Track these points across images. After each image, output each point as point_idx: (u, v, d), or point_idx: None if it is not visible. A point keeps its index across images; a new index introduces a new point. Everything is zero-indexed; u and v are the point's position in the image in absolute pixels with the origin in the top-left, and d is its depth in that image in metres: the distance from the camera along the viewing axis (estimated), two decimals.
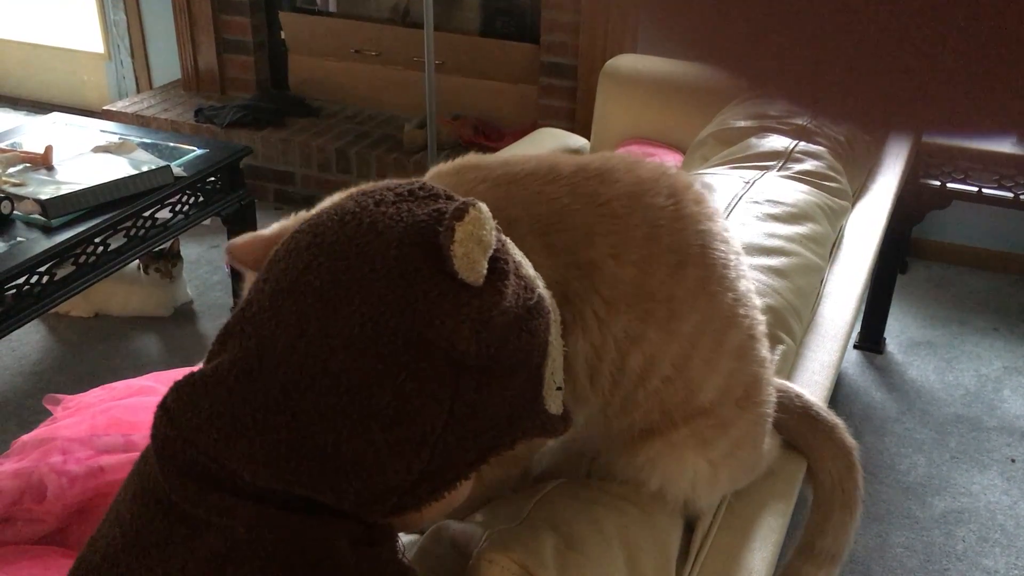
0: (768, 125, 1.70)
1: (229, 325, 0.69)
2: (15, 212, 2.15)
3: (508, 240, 0.73)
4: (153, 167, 2.38)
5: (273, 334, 0.66)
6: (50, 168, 2.37)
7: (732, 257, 0.90)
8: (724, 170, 1.54)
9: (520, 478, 0.95)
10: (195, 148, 2.60)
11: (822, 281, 1.41)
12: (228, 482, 0.66)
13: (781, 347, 1.15)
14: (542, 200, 0.85)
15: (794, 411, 1.05)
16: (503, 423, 0.69)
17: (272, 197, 3.45)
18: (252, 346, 0.66)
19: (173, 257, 2.65)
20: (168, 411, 0.68)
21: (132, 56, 4.00)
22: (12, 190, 2.22)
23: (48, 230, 2.12)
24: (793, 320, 1.20)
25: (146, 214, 2.32)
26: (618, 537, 0.83)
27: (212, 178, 2.53)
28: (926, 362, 2.58)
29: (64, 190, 2.21)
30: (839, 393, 2.39)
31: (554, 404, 0.74)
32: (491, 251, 0.66)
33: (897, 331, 2.70)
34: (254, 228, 2.71)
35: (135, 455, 0.75)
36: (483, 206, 0.66)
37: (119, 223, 2.24)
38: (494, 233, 0.67)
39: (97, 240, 2.19)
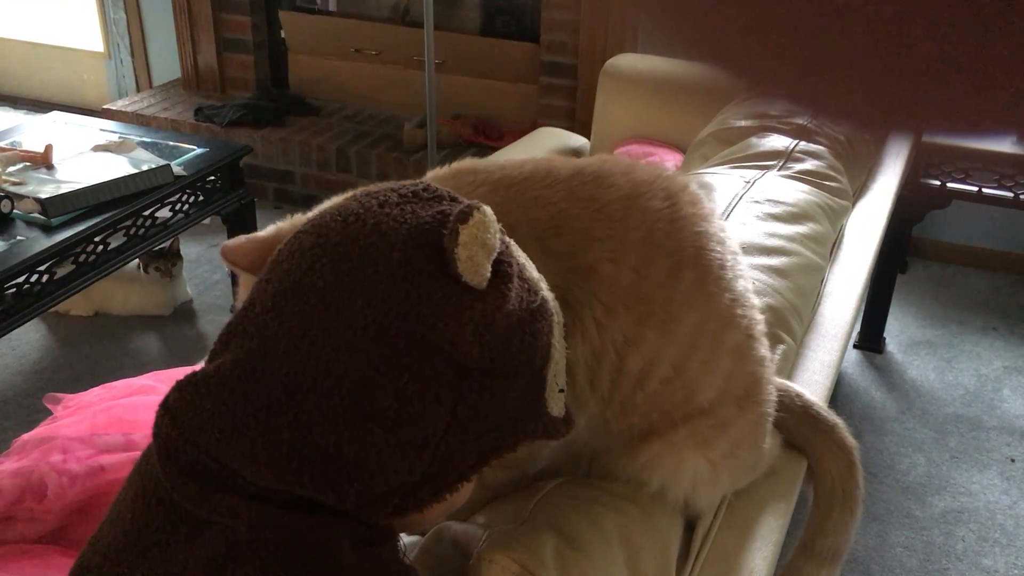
0: (768, 124, 1.70)
1: (231, 325, 0.69)
2: (15, 211, 2.15)
3: (512, 242, 0.73)
4: (153, 166, 2.38)
5: (276, 335, 0.66)
6: (50, 167, 2.37)
7: (729, 258, 0.90)
8: (724, 169, 1.54)
9: (521, 477, 0.95)
10: (195, 147, 2.60)
11: (822, 281, 1.41)
12: (229, 482, 0.66)
13: (781, 346, 1.15)
14: (540, 204, 0.85)
15: (794, 410, 1.05)
16: (505, 425, 0.69)
17: (272, 196, 3.45)
18: (255, 346, 0.66)
19: (173, 256, 2.65)
20: (170, 410, 0.68)
21: (132, 55, 4.00)
22: (12, 189, 2.22)
23: (48, 229, 2.12)
24: (793, 319, 1.20)
25: (146, 213, 2.32)
26: (618, 537, 0.83)
27: (212, 177, 2.53)
28: (926, 362, 2.58)
29: (64, 189, 2.21)
30: (839, 393, 2.39)
31: (556, 406, 0.74)
32: (495, 254, 0.66)
33: (897, 331, 2.70)
34: (254, 227, 2.71)
35: (136, 454, 0.75)
36: (487, 209, 0.66)
37: (119, 222, 2.24)
38: (498, 236, 0.67)
39: (97, 239, 2.19)
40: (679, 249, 0.86)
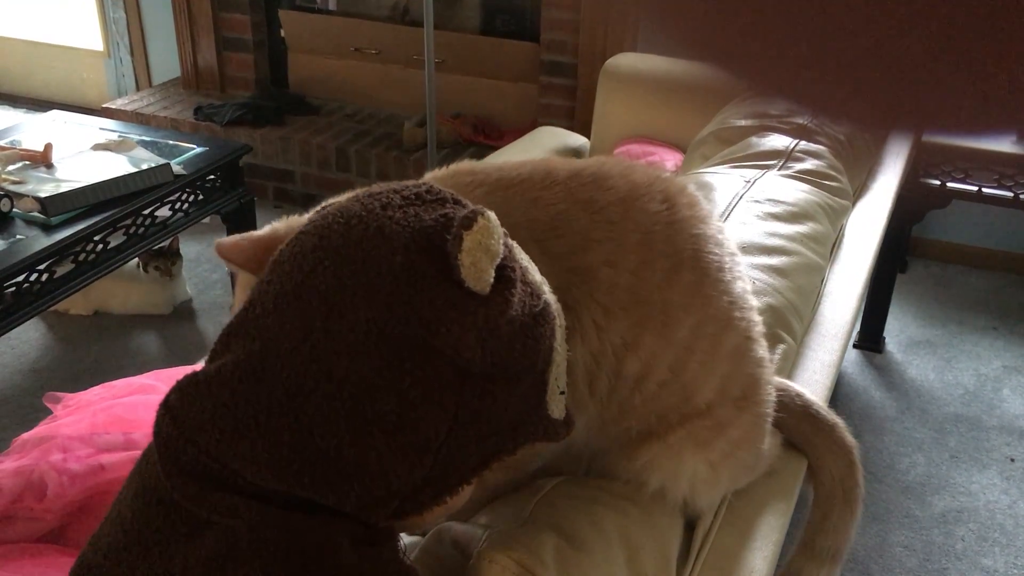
0: (769, 124, 1.70)
1: (233, 326, 0.69)
2: (15, 210, 2.15)
3: (515, 245, 0.73)
4: (152, 165, 2.38)
5: (277, 337, 0.65)
6: (49, 166, 2.37)
7: (727, 259, 0.90)
8: (725, 169, 1.54)
9: (520, 477, 0.95)
10: (195, 146, 2.60)
11: (823, 280, 1.41)
12: (230, 481, 0.66)
13: (782, 346, 1.15)
14: (538, 205, 0.85)
15: (794, 410, 1.05)
16: (506, 429, 0.69)
17: (272, 195, 3.45)
18: (256, 348, 0.66)
19: (173, 255, 2.65)
20: (171, 410, 0.68)
21: (132, 54, 4.00)
22: (12, 188, 2.22)
23: (48, 228, 2.12)
24: (794, 319, 1.20)
25: (146, 212, 2.32)
26: (619, 536, 0.83)
27: (212, 176, 2.53)
28: (925, 361, 2.58)
29: (64, 188, 2.21)
30: (838, 392, 2.39)
31: (557, 408, 0.74)
32: (498, 259, 0.66)
33: (896, 330, 2.70)
34: (254, 227, 2.71)
35: (136, 453, 0.75)
36: (491, 215, 0.66)
37: (118, 221, 2.24)
38: (502, 241, 0.67)
39: (96, 238, 2.19)
40: (677, 252, 0.86)
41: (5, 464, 1.19)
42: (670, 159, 2.38)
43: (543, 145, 2.57)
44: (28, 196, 2.17)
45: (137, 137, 2.62)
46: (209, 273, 2.91)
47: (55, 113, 2.82)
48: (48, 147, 2.40)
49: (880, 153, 1.97)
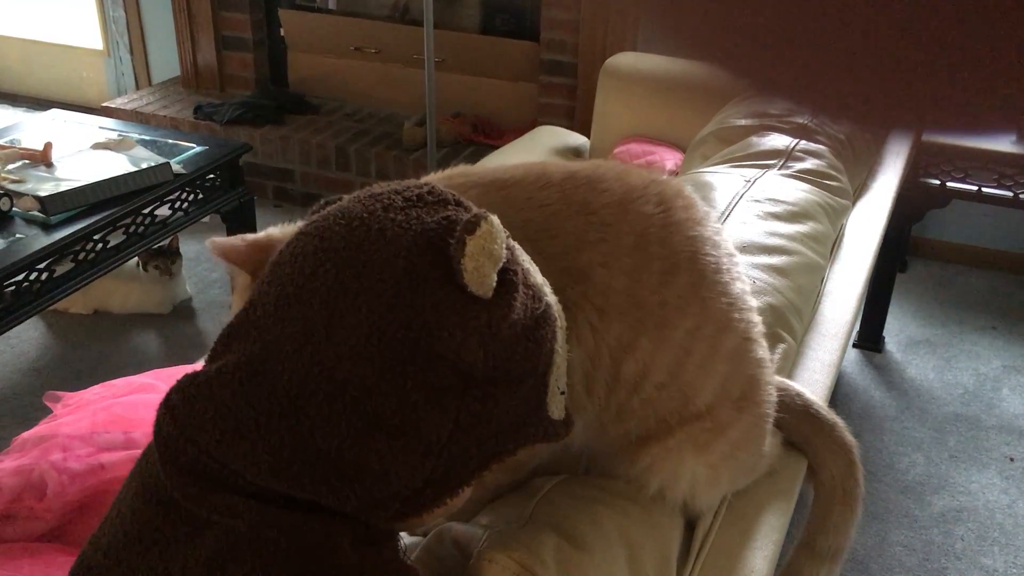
0: (769, 123, 1.70)
1: (233, 326, 0.69)
2: (14, 209, 2.15)
3: (516, 246, 0.73)
4: (152, 164, 2.38)
5: (278, 339, 0.65)
6: (49, 165, 2.37)
7: (724, 260, 0.90)
8: (725, 168, 1.54)
9: (520, 477, 0.95)
10: (194, 145, 2.60)
11: (823, 280, 1.41)
12: (230, 481, 0.66)
13: (782, 346, 1.15)
14: (533, 206, 0.85)
15: (794, 410, 1.05)
16: (507, 430, 0.69)
17: (271, 194, 3.45)
18: (257, 350, 0.66)
19: (172, 254, 2.65)
20: (171, 409, 0.68)
21: (131, 53, 4.00)
22: (11, 187, 2.22)
23: (47, 227, 2.11)
24: (794, 319, 1.20)
25: (145, 211, 2.32)
26: (619, 536, 0.83)
27: (211, 175, 2.53)
28: (925, 361, 2.58)
29: (63, 187, 2.21)
30: (838, 392, 2.39)
31: (557, 409, 0.74)
32: (501, 263, 0.66)
33: (896, 330, 2.70)
34: (253, 225, 2.71)
35: (136, 452, 0.75)
36: (494, 218, 0.66)
37: (118, 220, 2.24)
38: (504, 245, 0.67)
39: (96, 237, 2.19)
40: (672, 254, 0.86)
41: (5, 463, 1.19)
42: (670, 159, 2.38)
43: (543, 144, 2.57)
44: (28, 195, 2.17)
45: (137, 136, 2.62)
46: (209, 272, 2.91)
47: (55, 112, 2.82)
48: (48, 146, 2.40)
49: (880, 152, 1.97)
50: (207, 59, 3.72)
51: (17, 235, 2.08)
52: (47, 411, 1.38)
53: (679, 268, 0.86)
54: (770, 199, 1.37)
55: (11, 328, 2.05)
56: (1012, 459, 2.22)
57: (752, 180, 1.43)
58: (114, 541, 0.69)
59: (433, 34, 2.85)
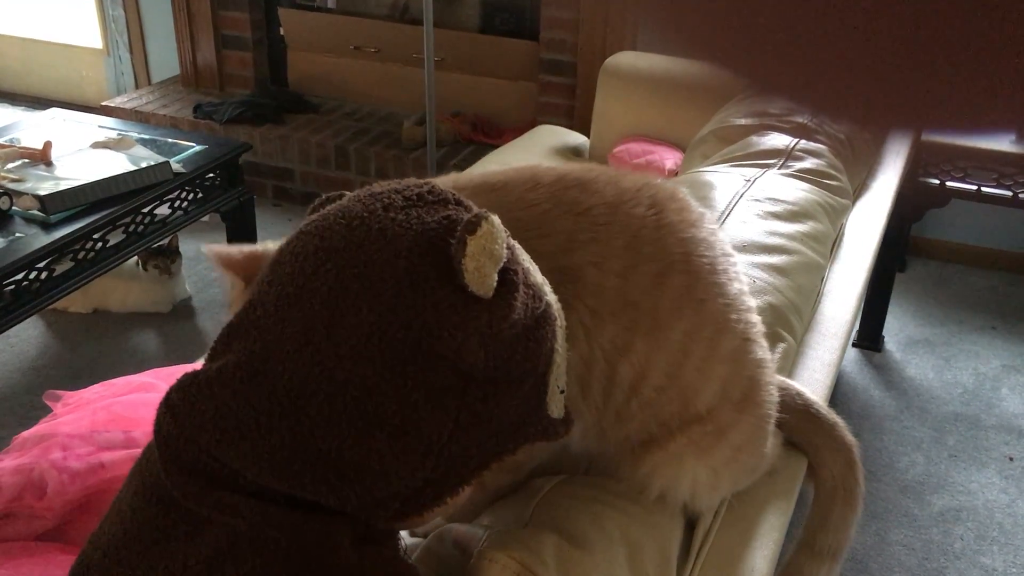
0: (768, 123, 1.70)
1: (233, 325, 0.69)
2: (14, 208, 2.15)
3: (517, 245, 0.72)
4: (152, 163, 2.38)
5: (279, 339, 0.65)
6: (49, 164, 2.37)
7: (720, 261, 0.89)
8: (725, 168, 1.54)
9: (520, 478, 0.95)
10: (194, 144, 2.60)
11: (823, 279, 1.41)
12: (230, 480, 0.66)
13: (782, 345, 1.15)
14: (523, 206, 0.85)
15: (795, 409, 1.05)
16: (507, 430, 0.69)
17: (271, 193, 3.45)
18: (258, 349, 0.66)
19: (172, 253, 2.65)
20: (172, 408, 0.68)
21: (131, 52, 4.00)
22: (11, 186, 2.21)
23: (47, 226, 2.11)
24: (794, 318, 1.20)
25: (145, 210, 2.32)
26: (619, 535, 0.83)
27: (211, 174, 2.53)
28: (924, 360, 2.58)
29: (63, 186, 2.21)
30: (837, 391, 2.39)
31: (556, 408, 0.74)
32: (502, 263, 0.66)
33: (896, 329, 2.70)
34: (253, 224, 2.71)
35: (136, 451, 0.75)
36: (495, 219, 0.66)
37: (118, 219, 2.24)
38: (505, 245, 0.67)
39: (96, 236, 2.19)
40: (665, 256, 0.86)
41: (5, 462, 1.19)
42: (669, 158, 2.38)
43: (542, 144, 2.57)
44: (27, 194, 2.17)
45: (136, 135, 2.62)
46: (208, 271, 2.91)
47: (54, 111, 2.82)
48: (47, 145, 2.40)
49: (880, 152, 1.97)
50: (207, 58, 3.72)
51: (17, 234, 2.08)
52: (47, 410, 1.38)
53: (672, 269, 0.86)
54: (770, 198, 1.37)
55: (11, 327, 2.05)
56: (1011, 458, 2.22)
57: (752, 179, 1.43)
58: (114, 540, 0.69)
59: (433, 33, 2.85)
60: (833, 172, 1.56)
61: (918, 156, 2.41)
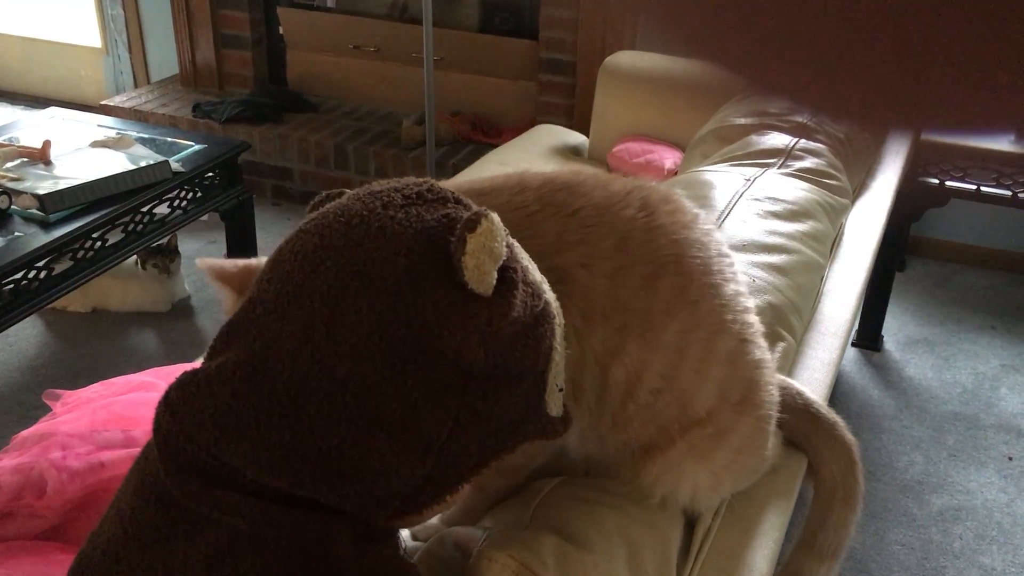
0: (768, 122, 1.70)
1: (232, 324, 0.69)
2: (13, 207, 2.15)
3: (516, 244, 0.72)
4: (151, 162, 2.38)
5: (278, 337, 0.65)
6: (48, 163, 2.37)
7: (715, 262, 0.88)
8: (724, 167, 1.54)
9: (520, 481, 0.95)
10: (193, 143, 2.60)
11: (822, 278, 1.41)
12: (230, 478, 0.66)
13: (782, 344, 1.15)
14: (511, 208, 0.85)
15: (794, 408, 1.05)
16: (507, 428, 0.69)
17: (270, 193, 3.45)
18: (257, 348, 0.66)
19: (171, 252, 2.65)
20: (171, 406, 0.68)
21: (130, 51, 4.00)
22: (10, 185, 2.21)
23: (46, 225, 2.11)
24: (794, 317, 1.20)
25: (144, 209, 2.32)
26: (619, 535, 0.83)
27: (210, 173, 2.53)
28: (924, 360, 2.58)
29: (62, 185, 2.21)
30: (837, 391, 2.39)
31: (555, 406, 0.74)
32: (501, 261, 0.66)
33: (895, 329, 2.70)
34: (252, 224, 2.71)
35: (135, 451, 0.75)
36: (495, 216, 0.66)
37: (117, 218, 2.23)
38: (505, 242, 0.67)
39: (95, 235, 2.19)
40: (655, 257, 0.85)
41: (4, 461, 1.19)
42: (669, 157, 2.38)
43: (542, 143, 2.57)
44: (26, 193, 2.17)
45: (135, 134, 2.61)
46: None
47: (53, 110, 2.82)
48: (46, 144, 2.40)
49: (879, 151, 1.97)
50: (206, 57, 3.72)
51: (16, 233, 2.08)
52: (46, 409, 1.37)
53: (663, 271, 0.85)
54: (770, 198, 1.37)
55: (10, 326, 2.05)
56: (1010, 458, 2.22)
57: (752, 179, 1.43)
58: (113, 539, 0.69)
59: (432, 32, 2.84)
60: (833, 171, 1.56)
61: (917, 156, 2.41)
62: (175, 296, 2.72)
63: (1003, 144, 2.39)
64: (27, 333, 2.56)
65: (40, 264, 2.06)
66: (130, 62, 4.01)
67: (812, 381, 1.21)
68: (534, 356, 0.69)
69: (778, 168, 1.52)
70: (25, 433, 1.25)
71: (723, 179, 1.44)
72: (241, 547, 0.65)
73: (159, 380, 1.34)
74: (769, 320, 1.11)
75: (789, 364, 1.18)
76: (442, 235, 0.66)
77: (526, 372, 0.68)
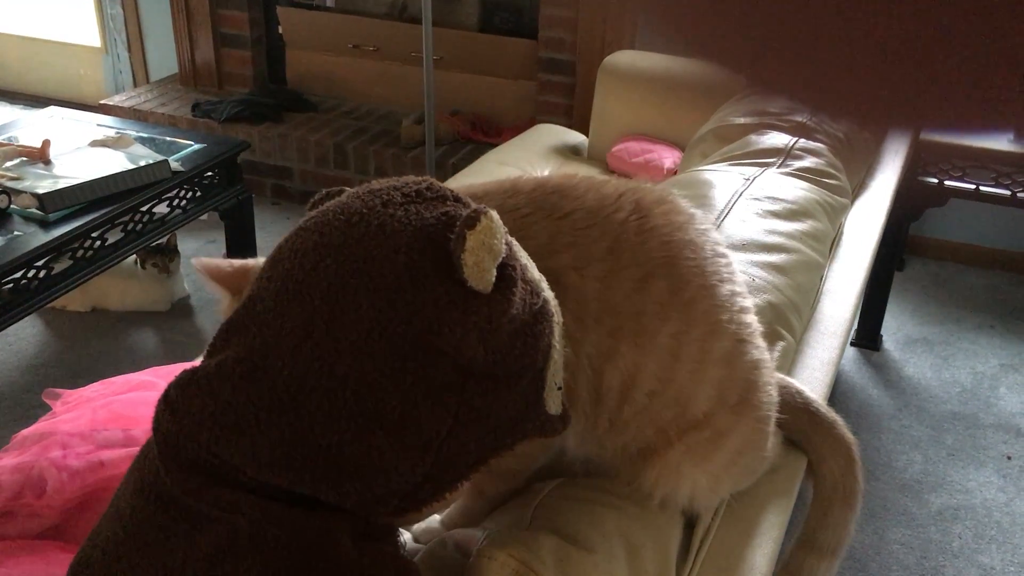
0: (768, 122, 1.70)
1: (232, 321, 0.69)
2: (12, 206, 2.15)
3: (514, 242, 0.73)
4: (150, 161, 2.38)
5: (279, 334, 0.65)
6: (47, 162, 2.37)
7: (710, 263, 0.88)
8: (724, 167, 1.54)
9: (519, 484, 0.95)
10: (192, 143, 2.60)
11: (822, 278, 1.41)
12: (230, 476, 0.66)
13: (781, 343, 1.15)
14: (503, 211, 0.85)
15: (794, 408, 1.05)
16: (505, 425, 0.69)
17: (269, 192, 3.45)
18: (257, 345, 0.66)
19: (170, 252, 2.65)
20: (171, 405, 0.68)
21: (129, 50, 3.99)
22: (9, 184, 2.21)
23: (45, 224, 2.11)
24: (793, 317, 1.20)
25: (143, 209, 2.32)
26: (618, 534, 0.83)
27: (209, 173, 2.53)
28: (923, 359, 2.58)
29: (61, 184, 2.21)
30: (836, 390, 2.39)
31: (553, 404, 0.74)
32: (501, 258, 0.66)
33: (894, 328, 2.70)
34: (251, 223, 2.71)
35: (135, 450, 0.75)
36: (494, 214, 0.66)
37: (116, 218, 2.23)
38: (504, 240, 0.67)
39: (94, 234, 2.19)
40: (648, 260, 0.85)
41: (5, 461, 1.19)
42: (668, 157, 2.38)
43: (541, 143, 2.57)
44: (26, 192, 2.17)
45: (135, 133, 2.61)
46: None
47: (52, 109, 2.82)
48: (46, 143, 2.40)
49: (879, 151, 1.97)
50: (205, 56, 3.71)
51: (15, 232, 2.08)
52: (46, 408, 1.37)
53: (655, 274, 0.85)
54: (769, 197, 1.37)
55: (9, 326, 2.05)
56: (1009, 457, 2.22)
57: (751, 178, 1.43)
58: (113, 538, 0.69)
59: (432, 32, 2.84)
60: (832, 171, 1.56)
61: (917, 155, 2.41)
62: (175, 295, 2.72)
63: (1002, 143, 2.39)
64: (27, 332, 2.56)
65: (39, 263, 2.06)
66: (129, 61, 4.01)
67: (811, 380, 1.21)
68: (533, 353, 0.69)
69: (777, 167, 1.52)
70: (25, 432, 1.25)
71: (722, 178, 1.44)
72: (241, 545, 0.65)
73: (159, 379, 1.34)
74: (769, 319, 1.11)
75: (789, 363, 1.18)
76: (441, 232, 0.66)
77: (525, 369, 0.69)
